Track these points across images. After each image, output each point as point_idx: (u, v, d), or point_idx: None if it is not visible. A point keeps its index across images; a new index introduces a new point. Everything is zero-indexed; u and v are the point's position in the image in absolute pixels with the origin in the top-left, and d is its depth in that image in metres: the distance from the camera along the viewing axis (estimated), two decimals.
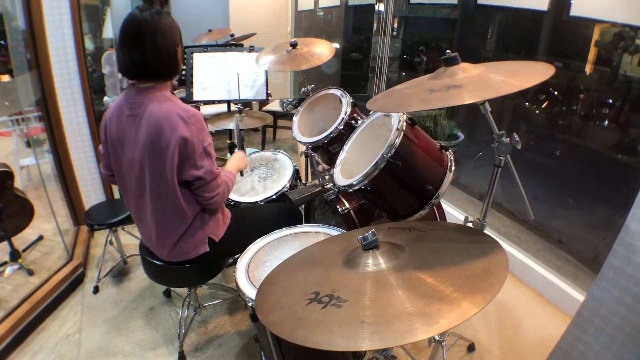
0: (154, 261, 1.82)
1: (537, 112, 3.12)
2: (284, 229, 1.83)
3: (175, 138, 1.48)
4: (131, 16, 1.49)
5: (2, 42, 3.36)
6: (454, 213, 3.22)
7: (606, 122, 2.61)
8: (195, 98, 2.52)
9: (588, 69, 2.63)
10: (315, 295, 0.96)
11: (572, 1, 2.55)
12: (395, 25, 4.22)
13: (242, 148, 2.29)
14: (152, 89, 1.55)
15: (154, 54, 1.49)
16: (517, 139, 1.29)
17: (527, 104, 3.17)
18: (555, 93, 2.92)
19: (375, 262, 1.02)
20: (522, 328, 2.29)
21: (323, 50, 2.34)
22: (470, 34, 3.62)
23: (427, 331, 0.78)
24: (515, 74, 1.17)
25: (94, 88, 3.36)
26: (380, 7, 4.19)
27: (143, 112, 1.52)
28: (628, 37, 2.37)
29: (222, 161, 2.15)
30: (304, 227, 1.84)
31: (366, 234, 1.05)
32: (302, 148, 2.44)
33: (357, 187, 1.57)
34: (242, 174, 2.24)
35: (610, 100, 2.59)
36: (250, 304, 1.42)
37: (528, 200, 1.41)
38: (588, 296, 1.53)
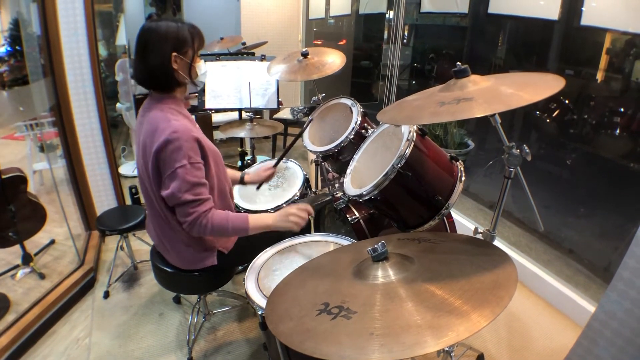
0: (165, 268, 1.83)
1: (548, 120, 3.11)
2: (293, 237, 1.84)
3: (154, 151, 1.49)
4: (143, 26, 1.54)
5: (17, 47, 3.41)
6: (464, 222, 3.21)
7: (618, 131, 2.59)
8: (207, 106, 2.55)
9: (599, 76, 2.62)
10: (325, 306, 0.97)
11: (583, 9, 2.53)
12: (406, 33, 4.23)
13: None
14: (156, 97, 1.60)
15: (145, 67, 1.54)
16: (527, 150, 1.28)
17: (537, 112, 3.15)
18: (566, 101, 2.91)
19: (384, 274, 1.02)
20: (532, 339, 2.28)
21: (334, 60, 2.35)
22: (480, 42, 3.62)
23: (436, 344, 0.78)
24: (525, 87, 1.17)
25: (106, 94, 3.39)
26: (391, 15, 4.20)
27: (145, 119, 1.58)
28: None
29: (230, 168, 2.12)
30: (314, 236, 1.84)
31: (376, 246, 1.06)
32: (313, 156, 2.45)
33: (367, 197, 1.57)
34: (258, 188, 2.24)
35: (622, 109, 2.57)
36: (259, 313, 1.42)
37: (538, 210, 1.40)
38: (598, 308, 1.52)
